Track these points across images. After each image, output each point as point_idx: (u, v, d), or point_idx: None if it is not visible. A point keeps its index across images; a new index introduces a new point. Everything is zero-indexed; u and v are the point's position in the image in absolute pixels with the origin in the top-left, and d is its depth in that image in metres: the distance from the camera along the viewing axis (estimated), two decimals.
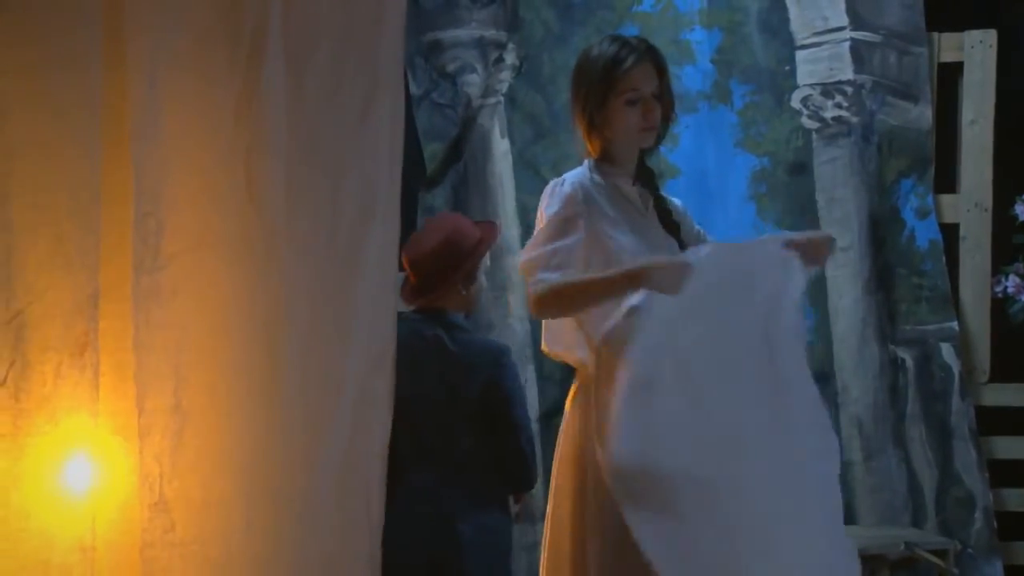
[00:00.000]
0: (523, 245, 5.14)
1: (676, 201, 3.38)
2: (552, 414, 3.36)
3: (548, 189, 3.21)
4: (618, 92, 3.14)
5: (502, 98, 5.23)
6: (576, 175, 3.22)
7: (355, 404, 3.69)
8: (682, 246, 3.22)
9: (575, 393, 3.23)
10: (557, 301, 3.05)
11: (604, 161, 3.23)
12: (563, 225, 3.11)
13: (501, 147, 5.23)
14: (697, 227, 3.38)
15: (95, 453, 2.73)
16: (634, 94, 3.14)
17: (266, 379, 3.19)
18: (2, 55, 2.92)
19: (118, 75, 3.09)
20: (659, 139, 3.26)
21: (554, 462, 3.25)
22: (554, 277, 3.03)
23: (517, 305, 5.21)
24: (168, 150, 3.22)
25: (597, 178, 3.21)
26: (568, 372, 3.40)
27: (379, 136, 4.03)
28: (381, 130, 4.03)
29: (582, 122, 3.20)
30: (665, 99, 3.20)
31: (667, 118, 3.23)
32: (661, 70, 3.19)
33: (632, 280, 2.93)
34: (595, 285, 3.00)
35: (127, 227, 3.05)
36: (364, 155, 3.95)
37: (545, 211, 3.18)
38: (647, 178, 3.29)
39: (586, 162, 3.25)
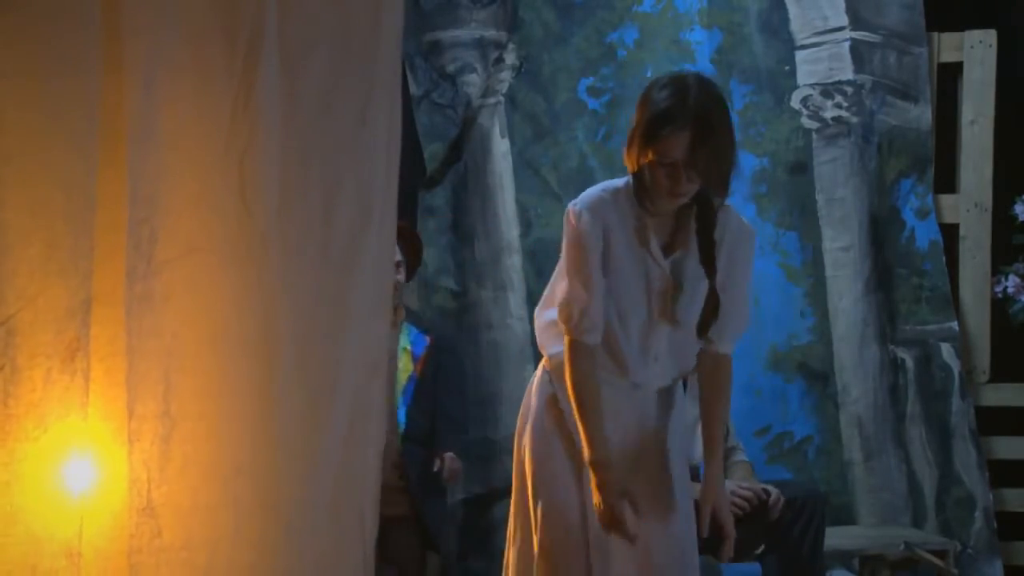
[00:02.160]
0: (523, 245, 5.24)
1: (741, 229, 3.18)
2: None
3: (568, 217, 3.13)
4: (652, 151, 3.00)
5: (502, 98, 5.24)
6: (603, 193, 3.14)
7: (350, 413, 3.68)
8: (712, 294, 3.11)
9: (538, 377, 3.30)
10: (566, 380, 3.17)
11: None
12: (583, 268, 3.10)
13: (501, 147, 5.24)
14: (734, 268, 3.16)
15: (84, 459, 2.74)
16: (665, 159, 2.99)
17: (258, 386, 3.18)
18: (0, 57, 2.92)
19: (116, 78, 3.09)
20: (719, 195, 3.08)
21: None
22: (587, 342, 3.13)
23: (517, 305, 5.22)
24: (164, 153, 3.21)
25: (630, 196, 3.12)
26: None
27: (376, 141, 4.00)
28: (378, 135, 4.01)
29: (626, 149, 3.10)
30: (709, 166, 2.98)
31: (712, 183, 3.02)
32: (700, 141, 2.96)
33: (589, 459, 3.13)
34: (581, 418, 3.14)
35: (121, 232, 3.04)
36: (361, 160, 3.93)
37: (564, 245, 3.15)
38: (703, 217, 3.12)
39: (630, 176, 3.14)
